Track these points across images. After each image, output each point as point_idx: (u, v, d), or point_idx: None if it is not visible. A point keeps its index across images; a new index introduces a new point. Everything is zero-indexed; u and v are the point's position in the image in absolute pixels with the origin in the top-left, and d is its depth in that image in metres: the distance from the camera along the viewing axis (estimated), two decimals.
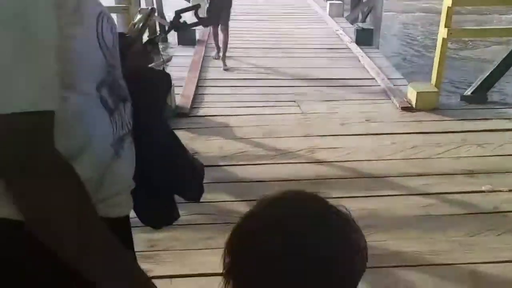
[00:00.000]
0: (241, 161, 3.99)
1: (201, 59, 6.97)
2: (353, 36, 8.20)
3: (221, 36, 6.84)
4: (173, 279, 2.57)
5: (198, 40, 7.93)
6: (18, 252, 0.95)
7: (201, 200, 1.54)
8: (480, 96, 5.53)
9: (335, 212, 0.82)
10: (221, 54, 6.90)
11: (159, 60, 1.70)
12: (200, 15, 1.56)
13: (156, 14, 9.59)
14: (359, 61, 7.08)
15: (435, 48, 5.34)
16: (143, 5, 9.35)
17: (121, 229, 1.05)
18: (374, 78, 6.25)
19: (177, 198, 1.46)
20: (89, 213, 0.90)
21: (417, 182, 3.63)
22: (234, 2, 6.83)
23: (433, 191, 3.49)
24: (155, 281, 1.01)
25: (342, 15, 10.68)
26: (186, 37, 7.60)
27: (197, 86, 5.83)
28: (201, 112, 5.12)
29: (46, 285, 0.99)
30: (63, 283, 0.97)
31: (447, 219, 3.18)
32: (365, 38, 7.97)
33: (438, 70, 5.28)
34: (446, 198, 3.42)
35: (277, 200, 0.85)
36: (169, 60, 6.86)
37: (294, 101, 5.42)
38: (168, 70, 6.16)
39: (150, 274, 1.00)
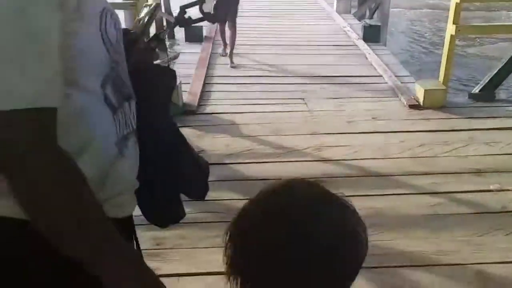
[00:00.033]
0: (248, 159, 3.99)
1: (208, 56, 6.97)
2: (361, 33, 8.16)
3: (228, 33, 6.82)
4: (180, 278, 2.58)
5: (205, 36, 7.92)
6: (21, 251, 0.94)
7: (207, 198, 1.54)
8: (488, 94, 5.49)
9: (336, 200, 0.83)
10: (228, 51, 6.89)
11: (165, 57, 1.69)
12: (206, 10, 1.54)
13: (163, 10, 9.60)
14: (366, 58, 7.05)
15: (443, 45, 5.31)
16: (150, 1, 9.34)
17: (124, 229, 1.05)
18: (381, 76, 6.22)
19: (183, 196, 1.46)
20: (94, 211, 0.89)
21: (424, 180, 3.61)
22: None
23: (440, 190, 3.48)
24: (162, 279, 1.00)
25: (350, 12, 10.63)
26: (193, 34, 7.59)
27: (204, 84, 5.83)
28: (208, 109, 5.12)
29: (49, 285, 0.98)
30: (66, 282, 0.97)
31: (455, 218, 3.16)
32: (372, 35, 7.93)
33: (446, 68, 5.25)
34: (454, 197, 3.40)
35: (280, 189, 0.85)
36: (176, 57, 6.82)
37: (302, 99, 5.40)
38: (175, 67, 6.16)
39: (157, 273, 0.99)
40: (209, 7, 1.58)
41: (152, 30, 1.52)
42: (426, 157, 4.03)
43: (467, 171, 3.78)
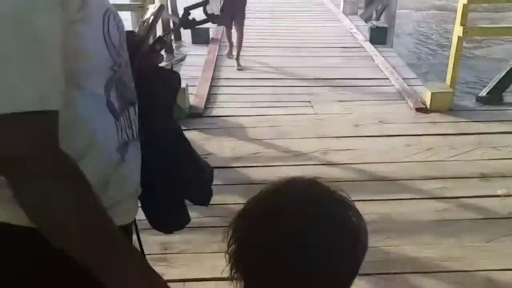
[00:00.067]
0: (254, 162, 3.99)
1: (215, 58, 6.97)
2: (367, 35, 8.14)
3: (235, 35, 6.83)
4: (186, 283, 2.58)
5: (212, 38, 7.92)
6: (25, 257, 0.94)
7: (214, 203, 1.53)
8: (495, 97, 5.46)
9: (337, 199, 0.83)
10: (234, 53, 6.89)
11: (171, 59, 1.67)
12: (209, 12, 1.53)
13: (169, 11, 9.60)
14: (373, 60, 7.03)
15: (450, 47, 5.27)
16: (156, 2, 9.35)
17: (127, 235, 1.04)
18: (388, 78, 6.20)
19: (188, 201, 1.45)
20: (98, 215, 0.88)
21: (431, 185, 3.60)
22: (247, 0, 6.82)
23: (447, 195, 3.46)
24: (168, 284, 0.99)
25: (356, 13, 10.60)
26: (200, 36, 7.59)
27: (211, 86, 5.83)
28: (214, 112, 5.12)
29: None
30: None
31: (462, 224, 3.15)
32: (379, 37, 7.90)
33: (453, 70, 5.22)
34: (461, 202, 3.38)
35: (280, 188, 0.85)
36: (182, 59, 6.86)
37: (309, 102, 5.40)
38: (182, 69, 6.17)
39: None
40: (213, 8, 1.56)
41: (159, 32, 1.50)
42: (433, 161, 4.01)
43: (474, 175, 3.75)
